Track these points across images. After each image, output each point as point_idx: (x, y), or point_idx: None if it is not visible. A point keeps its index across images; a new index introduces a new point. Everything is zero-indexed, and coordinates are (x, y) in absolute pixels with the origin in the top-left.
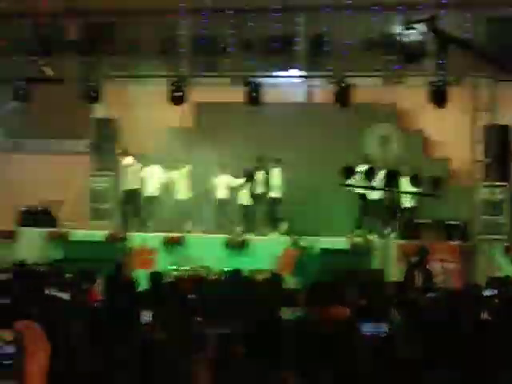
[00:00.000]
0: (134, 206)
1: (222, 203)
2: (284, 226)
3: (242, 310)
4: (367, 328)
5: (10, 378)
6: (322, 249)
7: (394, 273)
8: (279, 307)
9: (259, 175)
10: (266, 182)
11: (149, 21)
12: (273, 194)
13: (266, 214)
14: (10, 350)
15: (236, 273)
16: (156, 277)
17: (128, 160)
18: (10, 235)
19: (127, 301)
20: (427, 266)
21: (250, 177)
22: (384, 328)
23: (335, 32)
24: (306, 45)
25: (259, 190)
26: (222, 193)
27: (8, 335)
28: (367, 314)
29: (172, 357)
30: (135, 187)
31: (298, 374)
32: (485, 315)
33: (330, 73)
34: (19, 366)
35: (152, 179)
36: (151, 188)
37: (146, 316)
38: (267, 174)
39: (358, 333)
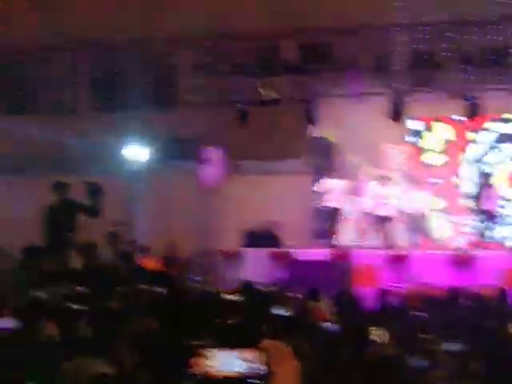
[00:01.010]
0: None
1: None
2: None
3: (472, 327)
4: None
5: None
6: None
7: None
8: (509, 323)
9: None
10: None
11: (364, 38)
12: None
13: (488, 229)
14: (257, 369)
15: (462, 289)
16: (383, 294)
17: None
18: (235, 256)
19: (356, 318)
20: None
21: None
22: None
23: None
24: None
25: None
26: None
27: (254, 355)
28: None
29: (406, 374)
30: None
31: None
32: None
33: None
34: None
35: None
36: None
37: (376, 334)
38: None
39: None
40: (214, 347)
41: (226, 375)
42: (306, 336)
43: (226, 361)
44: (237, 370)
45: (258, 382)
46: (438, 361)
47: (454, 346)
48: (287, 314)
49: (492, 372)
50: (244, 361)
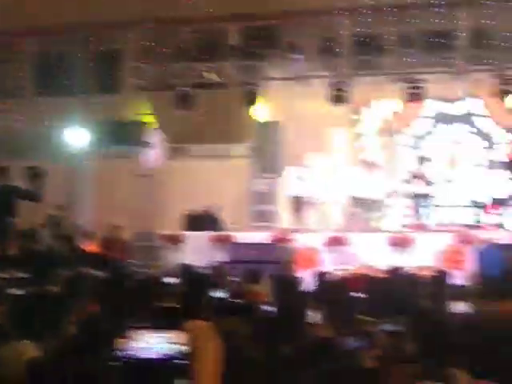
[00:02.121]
0: (299, 210)
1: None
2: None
3: (409, 307)
4: None
5: (184, 378)
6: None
7: None
8: (445, 302)
9: None
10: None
11: (308, 22)
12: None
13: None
14: (183, 350)
15: (400, 270)
16: (322, 276)
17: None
18: (174, 239)
19: (293, 300)
20: None
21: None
22: None
23: (497, 23)
24: (467, 38)
25: None
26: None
27: (179, 336)
28: None
29: (341, 354)
30: (301, 194)
31: (467, 369)
32: None
33: (492, 66)
34: (192, 365)
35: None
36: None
37: (314, 315)
38: None
39: None
40: (144, 329)
41: (150, 356)
42: (242, 317)
43: (150, 342)
44: (161, 350)
45: (181, 362)
46: (373, 341)
47: (391, 327)
48: (225, 296)
49: (426, 352)
50: (168, 342)
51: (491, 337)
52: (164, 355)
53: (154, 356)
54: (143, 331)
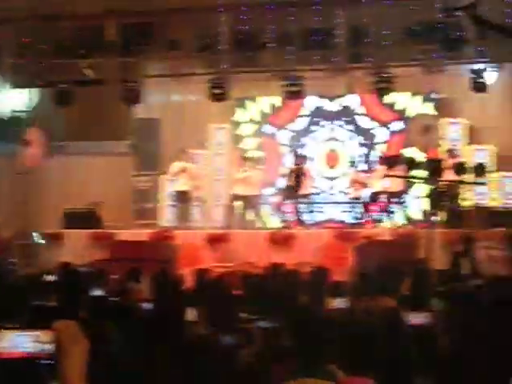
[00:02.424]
0: (182, 206)
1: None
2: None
3: (287, 303)
4: (411, 318)
5: (50, 378)
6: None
7: (439, 261)
8: (323, 299)
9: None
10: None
11: (188, 19)
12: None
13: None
14: (46, 349)
15: (279, 267)
16: (201, 274)
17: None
18: (55, 237)
19: (173, 299)
20: (472, 254)
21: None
22: (428, 317)
23: (374, 22)
24: (345, 37)
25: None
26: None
27: (46, 335)
28: (411, 303)
29: (217, 353)
30: (186, 188)
31: (342, 365)
32: None
33: (370, 64)
34: (57, 365)
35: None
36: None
37: (192, 314)
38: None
39: (403, 323)
40: (12, 328)
41: (13, 356)
42: (120, 317)
43: (15, 341)
44: (25, 350)
45: (47, 361)
46: (250, 338)
47: (268, 324)
48: (104, 294)
49: (303, 349)
50: (34, 341)
51: (366, 333)
52: (28, 354)
53: (17, 356)
54: (10, 330)
